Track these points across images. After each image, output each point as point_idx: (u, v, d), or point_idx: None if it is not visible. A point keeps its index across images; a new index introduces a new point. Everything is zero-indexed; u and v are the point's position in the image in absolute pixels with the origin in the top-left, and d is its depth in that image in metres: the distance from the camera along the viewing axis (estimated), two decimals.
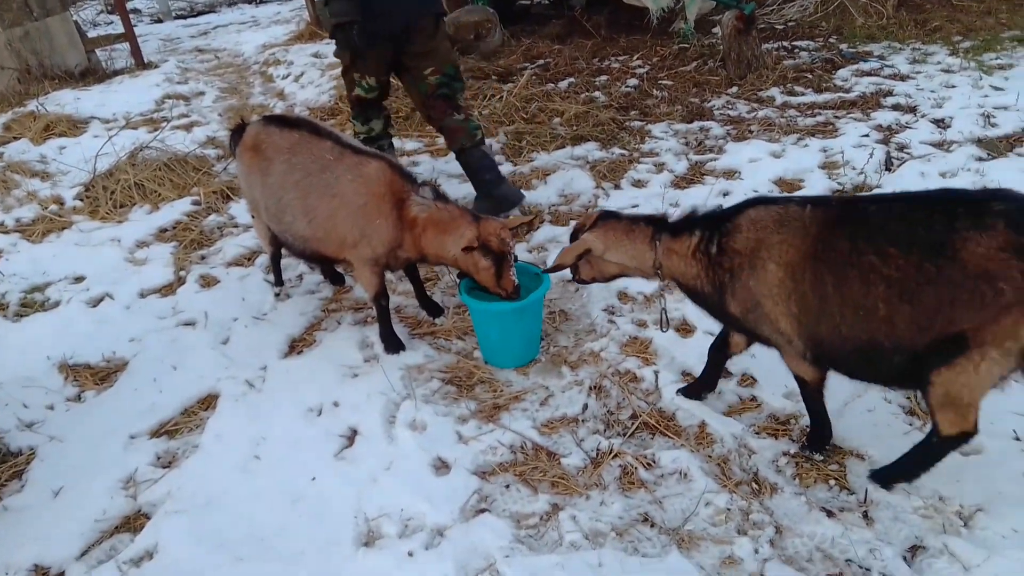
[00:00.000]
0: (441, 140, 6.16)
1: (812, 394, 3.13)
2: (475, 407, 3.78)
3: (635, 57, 8.36)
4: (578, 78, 7.96)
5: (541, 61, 8.70)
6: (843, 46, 8.13)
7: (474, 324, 4.19)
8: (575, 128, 6.80)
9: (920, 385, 2.66)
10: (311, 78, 9.87)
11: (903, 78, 7.15)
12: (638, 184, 5.84)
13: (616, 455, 3.37)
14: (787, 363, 3.06)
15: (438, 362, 4.15)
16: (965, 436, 2.67)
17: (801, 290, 2.75)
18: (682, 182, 5.75)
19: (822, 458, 3.17)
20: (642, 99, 7.36)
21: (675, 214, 3.29)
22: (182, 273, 5.31)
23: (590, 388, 3.82)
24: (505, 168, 6.23)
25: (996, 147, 5.54)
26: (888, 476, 2.99)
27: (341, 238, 4.11)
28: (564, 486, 3.24)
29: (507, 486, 3.28)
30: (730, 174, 5.79)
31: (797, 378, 3.11)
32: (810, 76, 7.44)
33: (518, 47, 9.28)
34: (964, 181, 5.15)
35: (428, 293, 4.64)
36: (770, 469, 3.21)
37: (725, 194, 5.40)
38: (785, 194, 3.18)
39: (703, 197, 5.42)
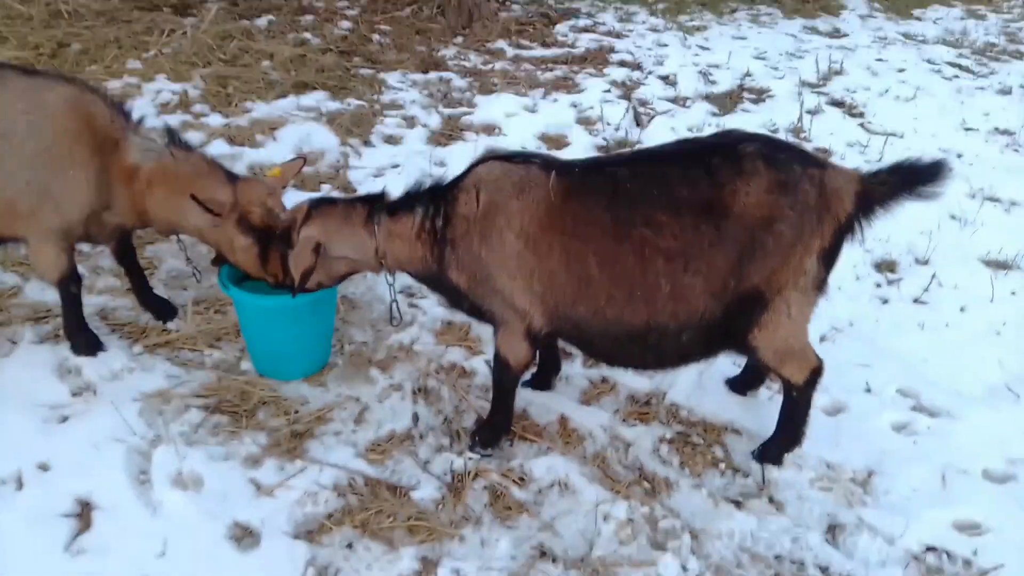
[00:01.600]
0: None
1: (512, 379, 2.74)
2: (266, 440, 2.80)
3: None
4: (279, 16, 6.76)
5: None
6: (550, 0, 8.10)
7: (243, 325, 3.12)
8: (295, 74, 5.70)
9: (742, 351, 2.57)
10: None
11: (619, 35, 7.30)
12: (392, 140, 5.04)
13: (477, 475, 2.69)
14: (500, 340, 2.65)
15: (189, 383, 3.03)
16: (817, 373, 2.61)
17: (548, 268, 2.45)
18: (441, 138, 5.09)
19: (490, 453, 2.79)
20: (363, 44, 6.48)
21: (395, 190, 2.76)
22: None
23: (414, 392, 3.07)
24: (215, 120, 4.96)
25: (724, 103, 5.82)
26: (775, 450, 2.77)
27: (9, 203, 2.76)
28: (427, 530, 2.49)
29: (349, 545, 2.43)
30: (489, 129, 5.28)
31: (501, 360, 2.67)
32: (531, 30, 7.24)
33: None
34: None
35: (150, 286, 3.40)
36: (655, 461, 2.80)
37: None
38: (519, 150, 2.76)
39: (469, 154, 4.83)
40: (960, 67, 7.20)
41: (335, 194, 3.06)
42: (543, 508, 2.59)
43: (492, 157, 2.57)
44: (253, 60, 5.87)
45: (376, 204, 2.70)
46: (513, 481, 2.68)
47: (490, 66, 6.36)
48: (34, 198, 2.75)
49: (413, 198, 2.65)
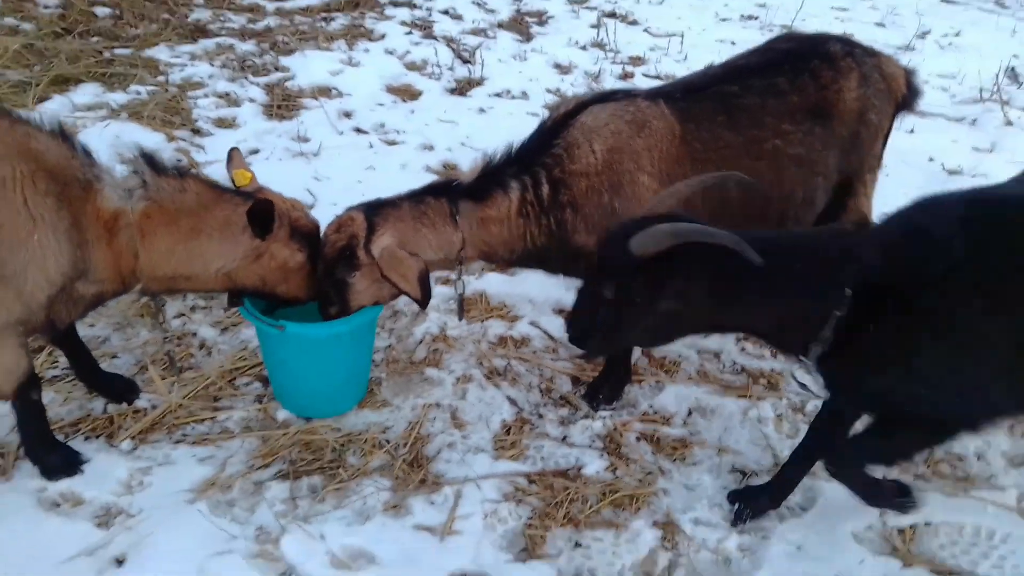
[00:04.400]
0: None
1: None
2: (388, 482, 2.39)
3: None
4: None
5: None
6: None
7: (289, 363, 2.54)
8: (40, 69, 4.45)
9: None
10: None
11: None
12: (224, 123, 4.27)
13: (622, 431, 2.59)
14: None
15: (234, 457, 2.47)
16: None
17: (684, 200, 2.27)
18: (278, 110, 4.44)
19: (614, 407, 2.69)
20: (89, 20, 5.18)
21: (464, 173, 2.45)
22: None
23: (487, 377, 2.83)
24: None
25: (520, 30, 5.87)
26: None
27: None
28: (629, 498, 2.36)
29: (576, 544, 2.23)
30: (325, 92, 4.73)
31: None
32: None
33: None
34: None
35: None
36: (747, 357, 2.93)
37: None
38: (614, 89, 2.69)
39: (322, 121, 4.29)
40: None
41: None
42: (702, 435, 2.60)
43: (587, 102, 2.36)
44: None
45: (452, 193, 2.34)
46: (658, 422, 2.63)
47: (262, 24, 5.58)
48: None
49: (498, 175, 2.33)
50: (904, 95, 2.59)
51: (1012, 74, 5.42)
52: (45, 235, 1.94)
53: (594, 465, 2.45)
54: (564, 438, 2.57)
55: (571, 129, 2.31)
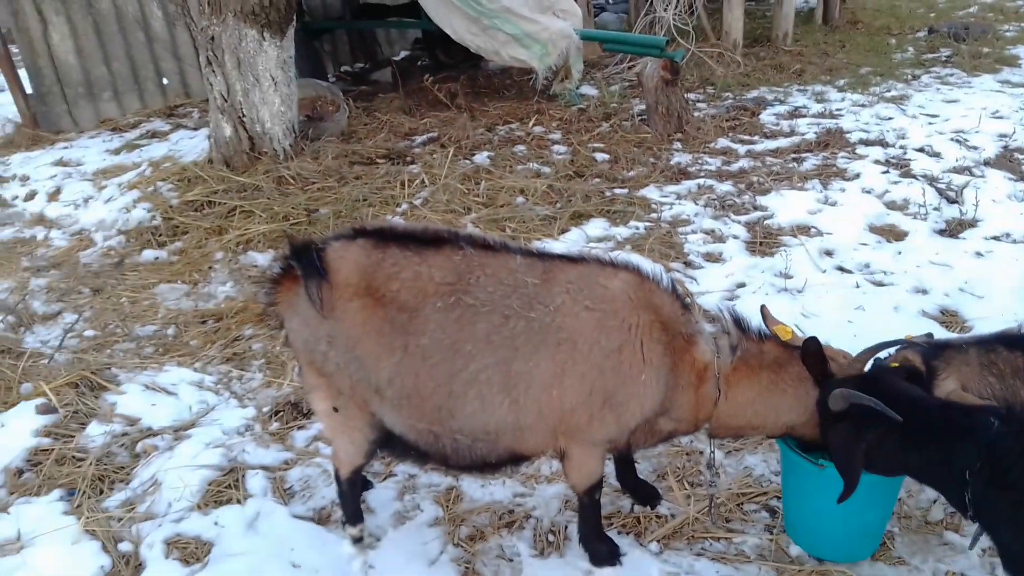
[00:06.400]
0: None
1: None
2: None
3: (531, 124, 7.23)
4: (493, 150, 6.57)
5: (421, 137, 7.13)
6: (726, 94, 7.91)
7: (818, 501, 2.60)
8: (560, 206, 5.41)
9: None
10: (80, 192, 7.02)
11: (832, 115, 7.03)
12: (712, 258, 4.67)
13: None
14: None
15: None
16: None
17: None
18: (760, 247, 4.72)
19: None
20: (590, 165, 6.23)
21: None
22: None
23: None
24: None
25: (1012, 168, 5.43)
26: None
27: (568, 412, 2.32)
28: None
29: None
30: (804, 230, 4.92)
31: None
32: (739, 124, 6.99)
33: (373, 123, 7.59)
34: None
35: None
36: None
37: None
38: None
39: (805, 260, 4.45)
40: None
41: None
42: None
43: None
44: (508, 197, 5.61)
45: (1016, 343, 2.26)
46: None
47: (736, 166, 6.05)
48: (598, 403, 2.33)
49: None
50: None
51: None
52: (651, 376, 2.34)
53: None
54: None
55: None
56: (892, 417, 2.05)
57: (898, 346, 2.45)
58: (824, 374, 2.30)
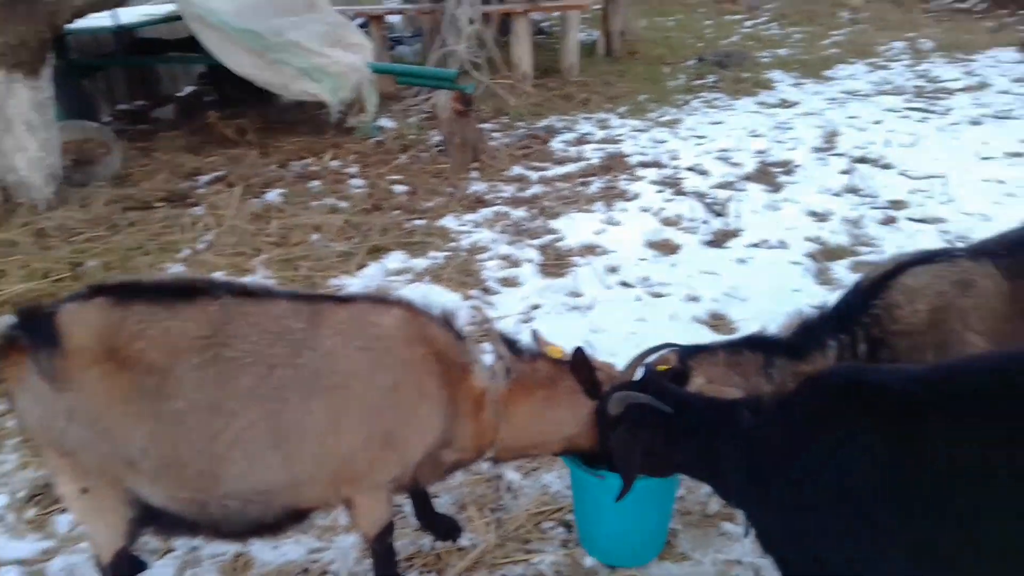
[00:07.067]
0: None
1: None
2: None
3: (326, 158, 7.08)
4: (286, 187, 6.34)
5: (206, 177, 6.74)
6: (519, 123, 8.21)
7: (609, 512, 2.70)
8: (357, 240, 5.32)
9: None
10: None
11: (614, 141, 7.47)
12: (509, 282, 4.78)
13: None
14: None
15: None
16: None
17: None
18: (552, 268, 4.90)
19: None
20: (388, 197, 6.19)
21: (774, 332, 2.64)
22: None
23: None
24: None
25: (769, 181, 6.05)
26: None
27: (348, 458, 2.29)
28: None
29: None
30: (591, 249, 5.18)
31: None
32: (531, 151, 7.27)
33: (151, 164, 7.08)
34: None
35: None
36: None
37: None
38: (934, 250, 2.69)
39: (589, 277, 4.66)
40: (920, 109, 8.03)
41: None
42: None
43: (906, 264, 2.44)
44: (303, 235, 5.43)
45: (769, 347, 2.49)
46: None
47: (529, 192, 6.26)
48: (377, 446, 2.29)
49: (816, 332, 2.45)
50: None
51: None
52: (429, 409, 2.33)
53: None
54: None
55: (891, 290, 2.38)
56: (664, 409, 2.14)
57: (660, 351, 2.61)
58: (592, 382, 2.40)
